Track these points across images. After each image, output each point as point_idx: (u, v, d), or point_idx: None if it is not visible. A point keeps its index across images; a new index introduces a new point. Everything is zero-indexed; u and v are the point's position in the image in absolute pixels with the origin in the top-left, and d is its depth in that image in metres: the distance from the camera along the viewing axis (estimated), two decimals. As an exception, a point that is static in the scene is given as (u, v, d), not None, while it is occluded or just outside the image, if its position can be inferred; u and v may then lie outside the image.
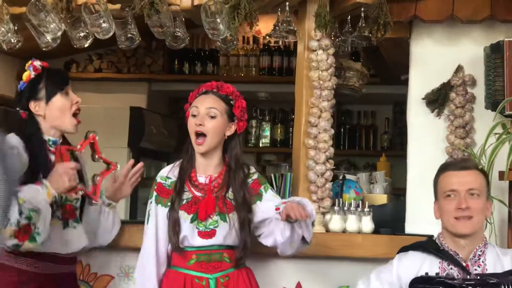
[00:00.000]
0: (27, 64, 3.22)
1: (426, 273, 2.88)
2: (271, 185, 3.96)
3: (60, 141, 3.23)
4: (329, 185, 3.73)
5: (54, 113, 3.17)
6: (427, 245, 3.04)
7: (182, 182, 3.19)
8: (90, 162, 3.33)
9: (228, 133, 3.23)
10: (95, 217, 3.37)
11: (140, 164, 3.48)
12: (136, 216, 5.84)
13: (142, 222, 3.35)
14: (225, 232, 3.16)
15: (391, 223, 3.94)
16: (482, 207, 2.94)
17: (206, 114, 3.17)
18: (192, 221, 3.14)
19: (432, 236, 3.58)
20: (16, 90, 3.23)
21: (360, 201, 3.89)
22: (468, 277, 2.85)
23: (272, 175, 4.00)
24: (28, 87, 3.19)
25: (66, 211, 3.19)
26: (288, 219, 3.03)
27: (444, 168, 3.04)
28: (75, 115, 3.23)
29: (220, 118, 3.19)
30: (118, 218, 3.48)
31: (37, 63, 3.21)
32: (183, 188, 3.18)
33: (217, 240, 3.15)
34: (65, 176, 3.00)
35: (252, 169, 3.32)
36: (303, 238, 3.16)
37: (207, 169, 3.23)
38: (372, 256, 3.61)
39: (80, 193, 3.19)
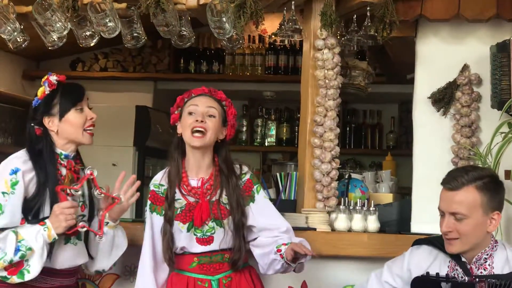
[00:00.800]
0: (43, 79, 3.19)
1: (427, 273, 2.87)
2: (277, 184, 3.96)
3: (73, 155, 3.22)
4: (334, 184, 3.73)
5: (67, 129, 3.17)
6: (439, 241, 2.98)
7: (172, 193, 3.18)
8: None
9: (221, 137, 3.23)
10: (93, 238, 3.29)
11: (133, 177, 3.33)
12: (141, 215, 5.85)
13: (147, 221, 3.35)
14: (221, 237, 3.16)
15: (397, 222, 3.94)
16: (470, 228, 2.81)
17: (206, 113, 3.17)
18: (188, 229, 3.14)
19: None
20: (30, 106, 3.21)
21: (366, 200, 3.89)
22: (466, 279, 2.83)
23: (278, 174, 3.99)
24: (42, 103, 3.17)
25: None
26: (292, 260, 3.06)
27: (442, 182, 2.94)
28: (88, 129, 3.23)
29: (217, 119, 3.20)
30: (120, 240, 3.31)
31: (53, 77, 3.17)
32: (173, 201, 3.17)
33: (215, 245, 3.16)
34: (61, 216, 3.00)
35: (245, 169, 3.31)
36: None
37: (199, 171, 3.22)
38: (377, 255, 3.61)
39: (83, 229, 3.13)
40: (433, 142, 3.87)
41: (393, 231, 3.74)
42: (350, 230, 3.72)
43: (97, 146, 6.78)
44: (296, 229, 3.58)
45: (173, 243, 3.14)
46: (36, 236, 2.99)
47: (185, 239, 3.14)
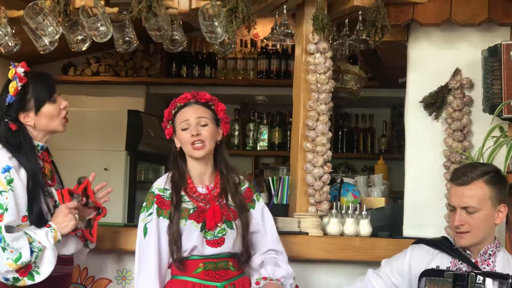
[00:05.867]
0: (10, 74, 3.16)
1: (437, 266, 2.93)
2: (269, 188, 3.96)
3: (46, 146, 3.24)
4: (326, 188, 3.73)
5: (44, 121, 3.17)
6: (441, 243, 3.06)
7: (178, 196, 3.16)
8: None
9: (218, 138, 3.23)
10: None
11: (104, 183, 3.38)
12: (133, 219, 5.84)
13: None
14: (233, 239, 3.16)
15: (389, 226, 3.94)
16: (481, 221, 2.91)
17: (198, 124, 3.17)
18: (201, 229, 3.13)
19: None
20: (3, 101, 3.17)
21: (358, 204, 3.89)
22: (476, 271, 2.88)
23: (270, 178, 3.99)
24: (16, 99, 3.15)
25: None
26: None
27: (450, 178, 3.05)
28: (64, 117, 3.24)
29: (211, 125, 3.19)
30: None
31: (20, 70, 3.16)
32: (180, 201, 3.15)
33: (226, 247, 3.15)
34: (70, 215, 3.08)
35: (242, 178, 3.33)
36: None
37: (203, 179, 3.22)
38: (370, 259, 3.60)
39: (79, 234, 3.21)
40: (425, 146, 3.87)
41: (385, 235, 3.74)
42: (342, 234, 3.72)
43: (89, 150, 6.78)
44: (288, 234, 3.58)
45: (181, 244, 3.11)
46: (47, 237, 3.01)
47: (197, 238, 3.11)
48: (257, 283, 3.16)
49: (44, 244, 3.00)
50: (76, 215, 3.12)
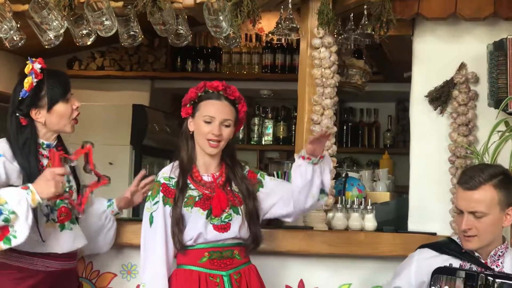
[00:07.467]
0: (27, 69, 3.16)
1: (450, 264, 2.91)
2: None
3: (55, 143, 3.23)
4: (332, 182, 3.73)
5: (55, 120, 3.18)
6: (448, 246, 3.04)
7: (184, 180, 3.18)
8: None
9: (231, 137, 3.25)
10: (96, 226, 3.43)
11: (152, 177, 3.45)
12: (138, 214, 5.85)
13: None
14: (239, 224, 3.15)
15: (394, 221, 3.94)
16: (488, 225, 2.89)
17: (221, 123, 3.17)
18: (207, 216, 3.13)
19: (435, 233, 3.59)
20: (16, 96, 3.18)
21: (363, 199, 3.89)
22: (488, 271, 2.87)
23: (275, 172, 4.00)
24: (30, 95, 3.15)
25: (61, 213, 3.20)
26: (311, 158, 3.11)
27: (458, 181, 3.02)
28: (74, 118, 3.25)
29: (231, 128, 3.20)
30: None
31: (37, 66, 3.15)
32: (186, 186, 3.16)
33: (232, 232, 3.14)
34: (52, 181, 2.96)
35: (242, 164, 3.34)
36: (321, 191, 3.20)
37: (209, 168, 3.23)
38: (374, 254, 3.61)
39: (65, 201, 3.18)
40: (430, 141, 3.86)
41: (390, 229, 3.74)
42: (347, 229, 3.72)
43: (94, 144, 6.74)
44: (293, 228, 3.58)
45: (184, 227, 3.11)
46: (19, 200, 2.92)
47: (202, 225, 3.12)
48: (302, 157, 3.18)
49: (15, 208, 2.89)
50: (64, 183, 3.03)
